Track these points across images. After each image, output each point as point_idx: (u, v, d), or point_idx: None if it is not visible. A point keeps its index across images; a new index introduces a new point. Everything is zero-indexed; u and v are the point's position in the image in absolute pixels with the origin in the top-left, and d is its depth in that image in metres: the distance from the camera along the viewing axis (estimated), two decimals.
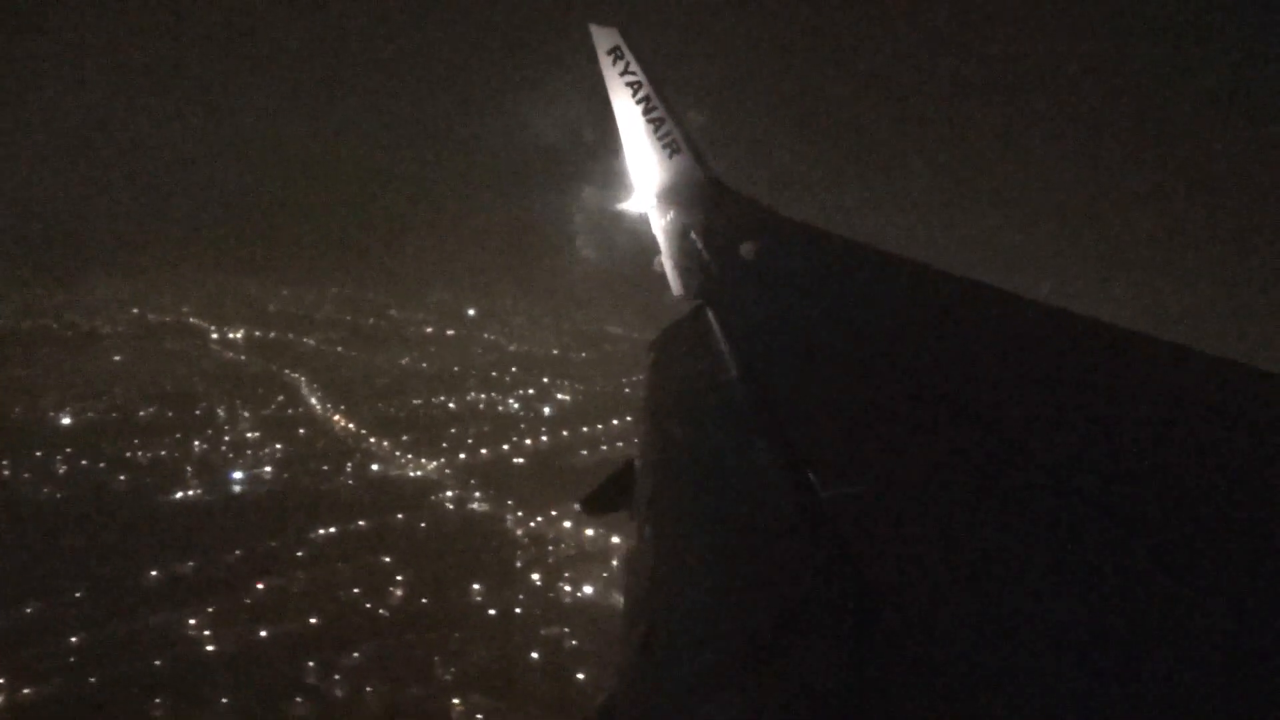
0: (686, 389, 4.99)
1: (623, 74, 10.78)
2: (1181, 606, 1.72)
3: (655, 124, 10.76)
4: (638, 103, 10.76)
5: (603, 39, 10.85)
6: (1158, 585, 1.80)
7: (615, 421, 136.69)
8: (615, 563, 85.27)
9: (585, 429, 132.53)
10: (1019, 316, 4.48)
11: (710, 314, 5.84)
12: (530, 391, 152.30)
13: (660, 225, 10.02)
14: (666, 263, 8.78)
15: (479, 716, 56.92)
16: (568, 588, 78.46)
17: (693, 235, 9.07)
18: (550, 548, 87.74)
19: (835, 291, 6.22)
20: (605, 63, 10.88)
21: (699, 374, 4.90)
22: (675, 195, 10.48)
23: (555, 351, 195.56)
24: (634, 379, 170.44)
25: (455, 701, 58.11)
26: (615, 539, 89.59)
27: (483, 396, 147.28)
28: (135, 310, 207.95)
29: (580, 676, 63.12)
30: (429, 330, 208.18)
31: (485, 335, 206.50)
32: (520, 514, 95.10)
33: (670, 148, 10.71)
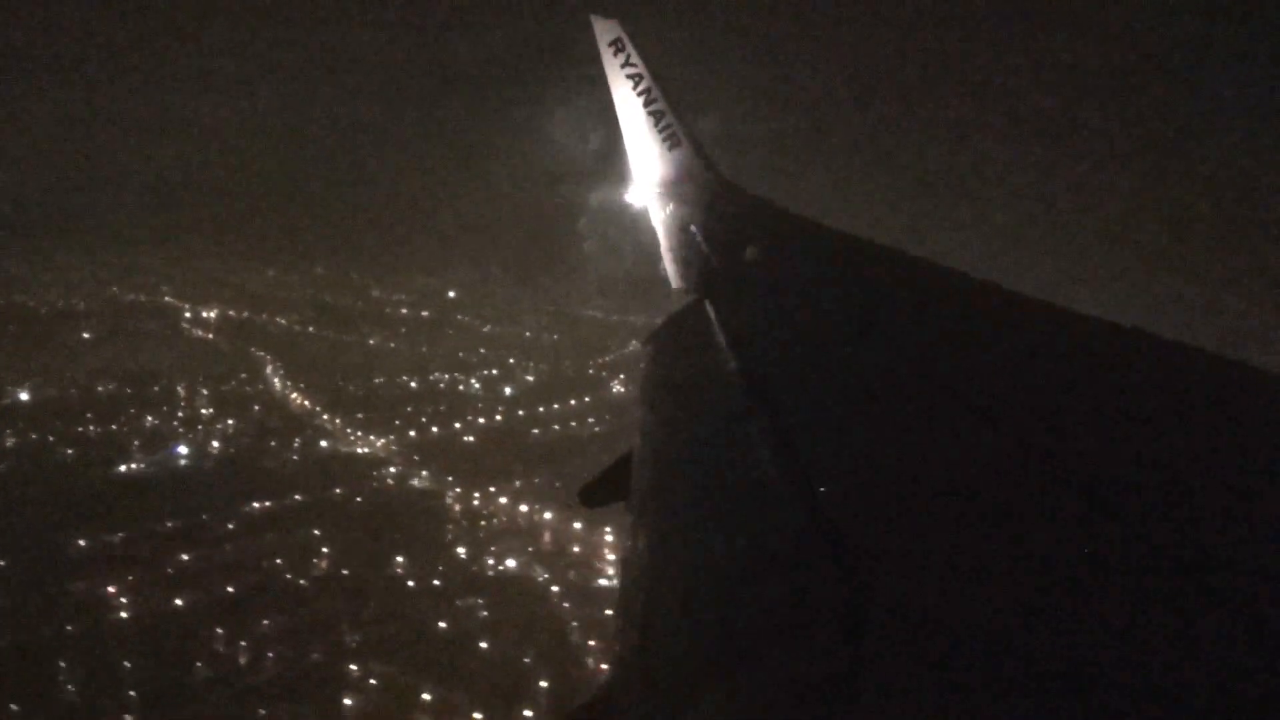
0: (684, 382, 4.99)
1: (623, 66, 10.79)
2: (1182, 605, 1.72)
3: (655, 117, 10.81)
4: (638, 95, 10.80)
5: (604, 31, 10.86)
6: (1158, 584, 1.81)
7: (573, 402, 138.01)
8: (548, 537, 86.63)
9: (542, 409, 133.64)
10: (1020, 313, 4.43)
11: (709, 307, 5.81)
12: (494, 372, 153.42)
13: (660, 218, 10.04)
14: (666, 255, 8.80)
15: (372, 681, 58.24)
16: (491, 561, 79.70)
17: (692, 228, 9.10)
18: (482, 523, 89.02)
19: (834, 285, 6.19)
20: (606, 55, 10.89)
21: (697, 367, 4.91)
22: (675, 188, 10.53)
23: (528, 334, 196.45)
24: (601, 360, 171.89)
25: (352, 668, 59.47)
26: (548, 514, 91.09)
27: (445, 376, 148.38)
28: (115, 289, 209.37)
29: (484, 645, 64.49)
30: (404, 312, 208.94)
31: (460, 317, 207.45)
32: (459, 490, 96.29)
33: (670, 140, 10.77)
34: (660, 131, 10.79)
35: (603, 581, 78.00)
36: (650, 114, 10.80)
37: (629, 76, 10.79)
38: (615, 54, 10.82)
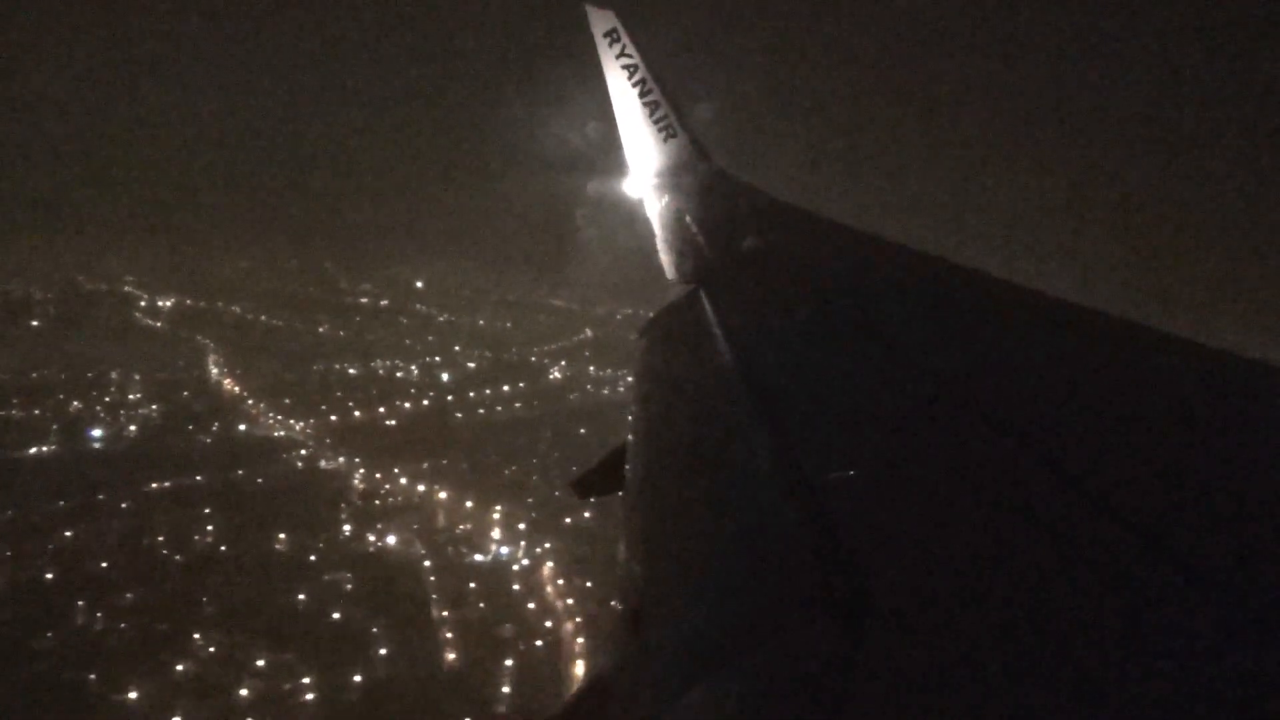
0: (679, 373, 4.98)
1: (619, 56, 10.77)
2: (1182, 605, 1.71)
3: (651, 107, 10.78)
4: (633, 86, 10.78)
5: (599, 21, 10.83)
6: (1158, 582, 1.80)
7: (506, 388, 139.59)
8: (439, 515, 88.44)
9: (472, 394, 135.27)
10: (1019, 306, 4.41)
11: (704, 298, 5.81)
12: (436, 359, 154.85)
13: (655, 209, 10.03)
14: (661, 246, 8.79)
15: (211, 650, 60.20)
16: (372, 538, 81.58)
17: (687, 219, 9.09)
18: (377, 502, 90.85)
19: (830, 276, 6.20)
20: (601, 45, 10.85)
21: (692, 358, 4.89)
22: (671, 179, 10.55)
23: (481, 322, 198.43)
24: (548, 347, 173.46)
25: (196, 637, 61.43)
26: (443, 494, 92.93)
27: (385, 363, 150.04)
28: (81, 278, 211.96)
29: (335, 616, 66.41)
30: (364, 301, 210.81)
31: (419, 307, 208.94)
32: (363, 471, 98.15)
33: (666, 131, 10.77)
34: (656, 122, 10.80)
35: (478, 557, 79.97)
36: (645, 105, 10.80)
37: (624, 67, 10.76)
38: (610, 44, 10.78)
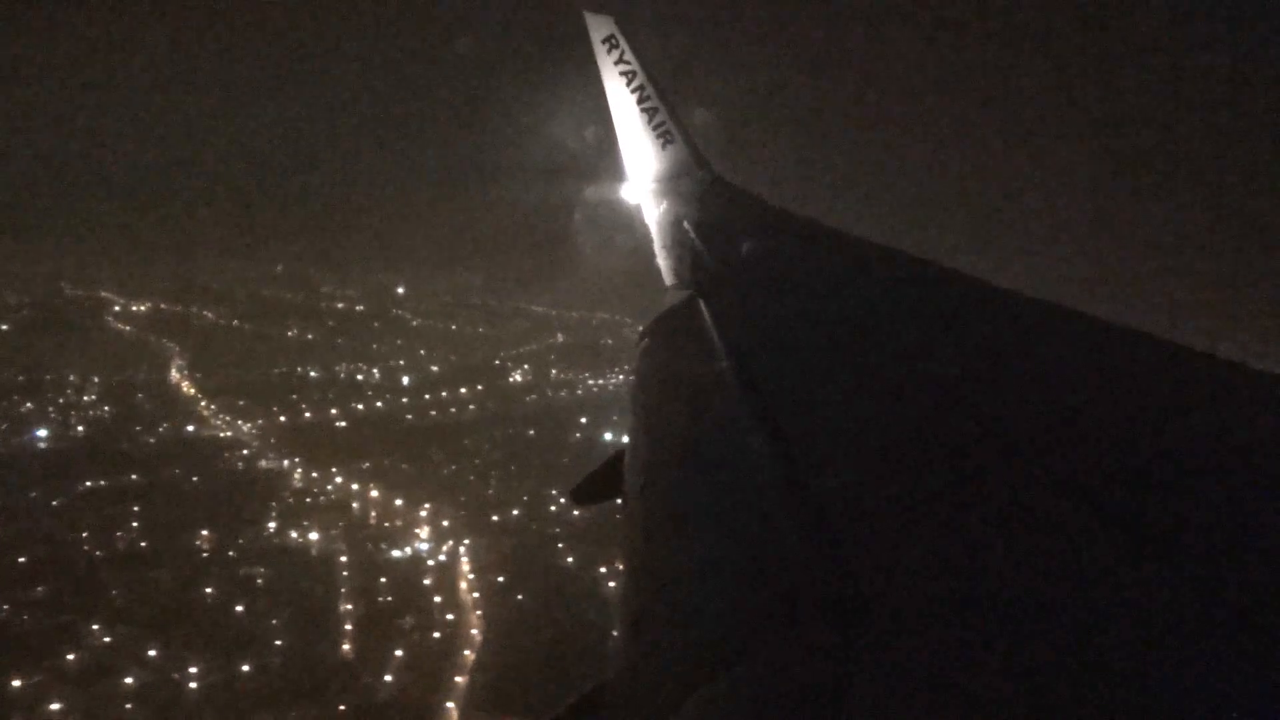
0: (677, 378, 4.98)
1: (617, 63, 10.78)
2: (1179, 604, 1.72)
3: (649, 114, 10.80)
4: (632, 92, 10.79)
5: (598, 27, 10.87)
6: (1155, 585, 1.81)
7: (463, 390, 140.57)
8: (369, 513, 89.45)
9: (428, 395, 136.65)
10: (1015, 311, 4.44)
11: (702, 304, 5.82)
12: (400, 362, 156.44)
13: (653, 215, 10.04)
14: (659, 252, 8.79)
15: (107, 640, 61.33)
16: (295, 534, 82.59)
17: (685, 225, 9.06)
18: (308, 500, 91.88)
19: (827, 282, 6.24)
20: (600, 51, 10.86)
21: (690, 363, 4.90)
22: (668, 185, 10.56)
23: (454, 326, 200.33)
24: (515, 351, 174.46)
25: (95, 627, 62.55)
26: (375, 492, 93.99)
27: (349, 366, 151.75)
28: (63, 284, 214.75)
29: (238, 609, 67.44)
30: (340, 306, 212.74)
31: (396, 312, 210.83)
32: (301, 470, 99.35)
33: (664, 138, 10.79)
34: (654, 128, 10.82)
35: (396, 553, 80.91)
36: (643, 111, 10.83)
37: (623, 73, 10.79)
38: (609, 50, 10.81)
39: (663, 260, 8.44)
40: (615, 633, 2.83)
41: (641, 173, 10.92)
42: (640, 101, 10.82)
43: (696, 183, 10.47)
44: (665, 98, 10.94)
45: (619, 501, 3.93)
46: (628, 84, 10.81)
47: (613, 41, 10.80)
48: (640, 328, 6.36)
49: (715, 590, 2.45)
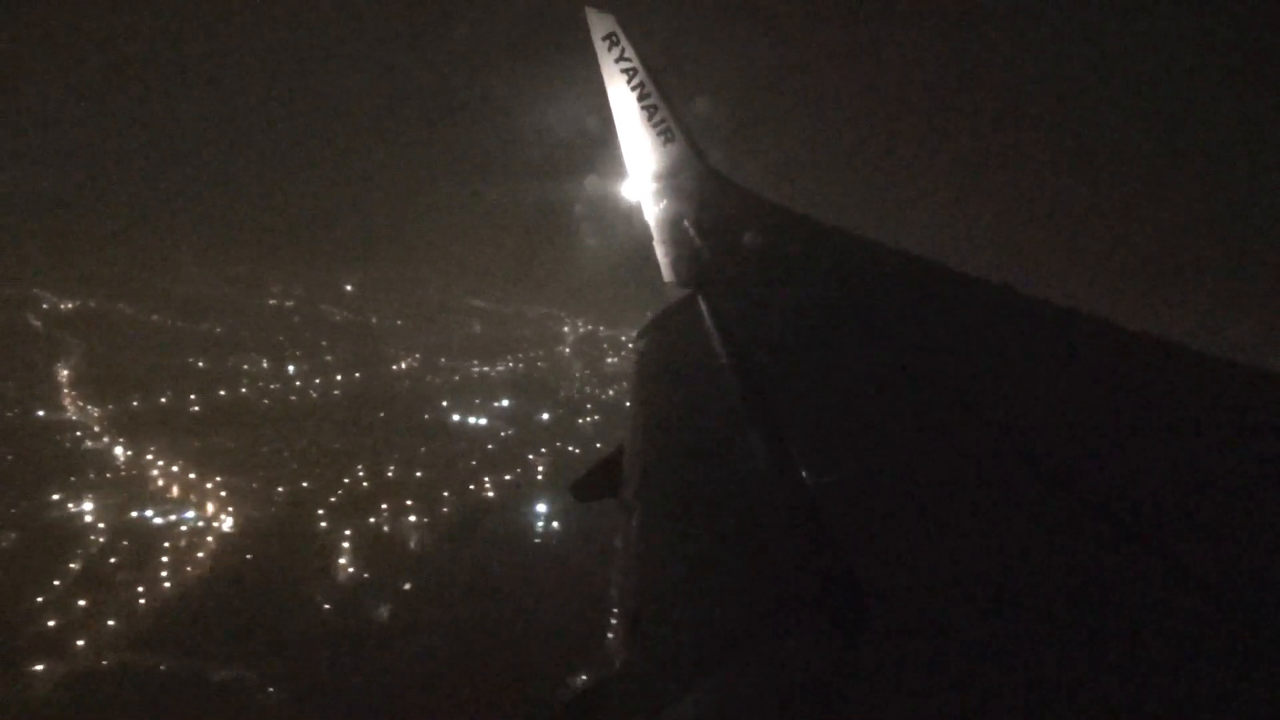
0: (676, 376, 5.02)
1: (618, 60, 10.81)
2: (1177, 605, 1.72)
3: (650, 111, 10.84)
4: (633, 89, 10.83)
5: (598, 24, 10.91)
6: (1154, 583, 1.82)
7: (339, 376, 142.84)
8: (160, 484, 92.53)
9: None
10: (1013, 308, 4.44)
11: (701, 301, 5.87)
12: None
13: (653, 212, 10.13)
14: (659, 249, 8.84)
15: None
16: (71, 505, 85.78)
17: (685, 223, 9.11)
18: (108, 475, 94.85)
19: (827, 279, 6.27)
20: (600, 48, 10.90)
21: (689, 361, 4.93)
22: (669, 182, 10.62)
23: (374, 320, 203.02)
24: (427, 340, 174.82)
25: None
26: (175, 467, 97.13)
27: (241, 357, 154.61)
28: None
29: None
30: (271, 303, 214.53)
31: (322, 307, 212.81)
32: (119, 449, 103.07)
33: (665, 135, 10.84)
34: (655, 126, 10.86)
35: (158, 520, 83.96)
36: (644, 108, 10.87)
37: (624, 70, 10.82)
38: (610, 48, 10.84)
39: (662, 257, 8.58)
40: (610, 633, 2.90)
41: (642, 170, 11.03)
42: (641, 99, 10.91)
43: (697, 180, 10.60)
44: (666, 95, 11.05)
45: (617, 498, 3.93)
46: (628, 81, 10.88)
47: (614, 39, 10.84)
48: (634, 333, 6.39)
49: (715, 587, 2.51)
